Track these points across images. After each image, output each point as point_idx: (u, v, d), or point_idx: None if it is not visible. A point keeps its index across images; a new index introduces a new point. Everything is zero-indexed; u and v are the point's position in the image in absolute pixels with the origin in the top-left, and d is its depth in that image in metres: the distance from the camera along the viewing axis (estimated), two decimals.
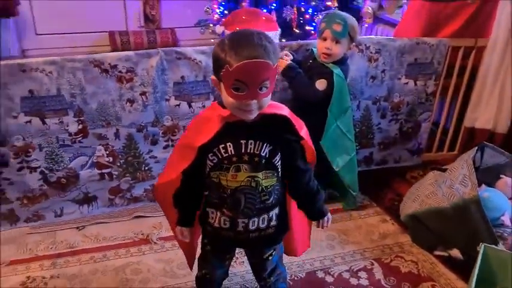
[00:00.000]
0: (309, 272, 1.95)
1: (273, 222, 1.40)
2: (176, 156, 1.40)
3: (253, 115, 1.23)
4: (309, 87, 2.07)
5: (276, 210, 1.39)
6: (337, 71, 2.03)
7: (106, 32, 4.34)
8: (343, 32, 2.01)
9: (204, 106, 2.19)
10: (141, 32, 4.40)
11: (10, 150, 1.96)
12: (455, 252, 2.00)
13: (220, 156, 1.29)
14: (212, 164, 1.30)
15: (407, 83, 2.53)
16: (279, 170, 1.34)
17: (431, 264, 2.03)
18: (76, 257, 1.98)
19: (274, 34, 2.98)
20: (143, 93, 2.05)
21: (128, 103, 2.05)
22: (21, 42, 4.21)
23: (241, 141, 1.27)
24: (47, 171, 2.06)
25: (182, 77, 2.09)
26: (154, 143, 2.19)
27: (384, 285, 1.90)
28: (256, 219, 1.36)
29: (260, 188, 1.32)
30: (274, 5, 3.31)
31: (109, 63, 1.95)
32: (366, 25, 3.65)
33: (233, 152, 1.28)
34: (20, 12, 3.90)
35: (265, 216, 1.37)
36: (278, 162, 1.32)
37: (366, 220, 2.31)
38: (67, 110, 1.97)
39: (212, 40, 3.64)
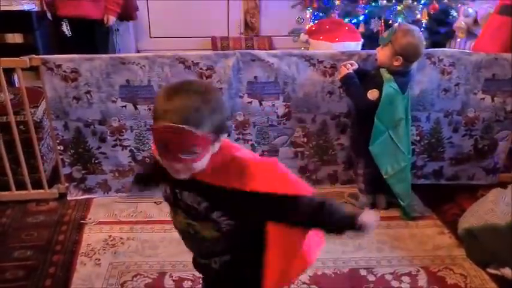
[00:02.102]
0: (352, 268, 2.04)
1: (226, 267, 1.25)
2: None
3: (181, 176, 1.06)
4: (361, 97, 2.16)
5: (226, 257, 1.23)
6: (390, 82, 2.10)
7: (209, 37, 4.76)
8: (385, 39, 2.11)
9: (273, 105, 2.38)
10: (240, 38, 4.75)
11: (107, 129, 2.34)
12: (507, 272, 1.95)
13: (163, 192, 1.20)
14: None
15: (483, 99, 2.48)
16: (222, 225, 1.13)
17: (481, 281, 1.99)
18: (150, 225, 2.30)
19: (357, 44, 3.08)
20: (220, 89, 2.31)
21: None
22: (137, 43, 4.81)
23: (176, 190, 1.15)
24: (135, 150, 2.41)
25: (255, 77, 2.31)
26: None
27: None
28: (206, 261, 1.26)
29: (200, 236, 1.17)
30: (362, 16, 3.41)
31: (192, 61, 2.24)
32: (459, 40, 3.57)
33: (170, 195, 1.18)
34: (138, 17, 4.47)
35: (216, 259, 1.24)
36: (220, 218, 1.12)
37: (422, 230, 2.32)
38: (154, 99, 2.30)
39: (302, 48, 3.82)
